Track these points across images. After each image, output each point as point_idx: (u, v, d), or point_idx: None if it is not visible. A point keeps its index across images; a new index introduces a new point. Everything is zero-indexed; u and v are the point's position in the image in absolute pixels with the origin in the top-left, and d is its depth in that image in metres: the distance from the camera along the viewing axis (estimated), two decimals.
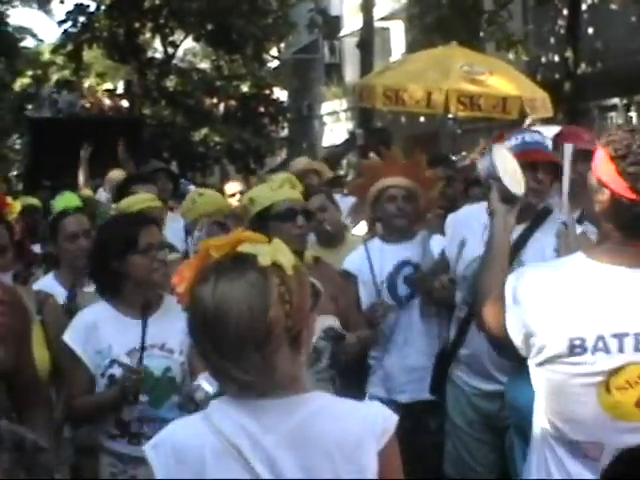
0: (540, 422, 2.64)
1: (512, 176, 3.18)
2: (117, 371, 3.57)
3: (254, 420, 2.02)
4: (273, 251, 2.05)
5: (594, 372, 2.48)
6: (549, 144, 5.40)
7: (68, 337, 3.66)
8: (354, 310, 4.38)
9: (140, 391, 3.49)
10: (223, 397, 2.09)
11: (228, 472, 2.01)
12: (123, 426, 3.60)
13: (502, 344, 2.69)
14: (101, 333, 3.63)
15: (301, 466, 2.02)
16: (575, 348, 2.48)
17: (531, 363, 2.60)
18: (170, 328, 3.56)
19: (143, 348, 3.57)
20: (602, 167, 2.55)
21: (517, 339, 2.59)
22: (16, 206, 5.36)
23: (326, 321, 3.84)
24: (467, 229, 4.09)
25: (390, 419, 2.09)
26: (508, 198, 3.12)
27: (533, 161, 3.82)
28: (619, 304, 2.49)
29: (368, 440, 2.06)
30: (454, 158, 8.33)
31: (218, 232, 4.80)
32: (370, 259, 4.67)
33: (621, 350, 2.47)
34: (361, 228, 6.02)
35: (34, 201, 7.01)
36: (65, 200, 5.61)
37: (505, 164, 3.19)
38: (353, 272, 4.69)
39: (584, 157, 4.93)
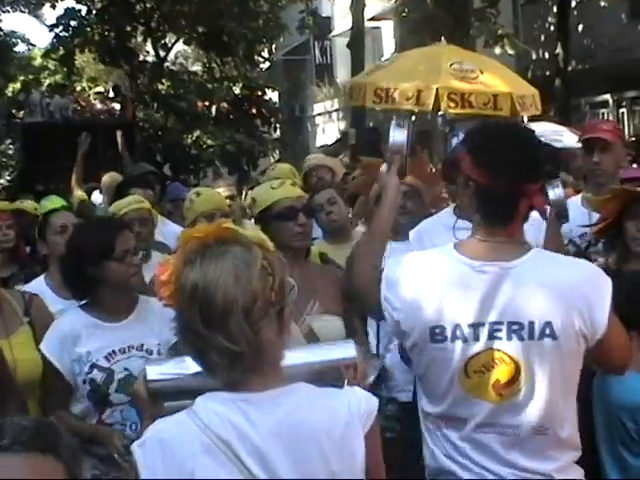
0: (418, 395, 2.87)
1: None
2: (98, 375, 3.56)
3: (241, 415, 2.04)
4: (253, 230, 2.17)
5: (454, 358, 2.68)
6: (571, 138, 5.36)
7: (44, 347, 3.65)
8: None
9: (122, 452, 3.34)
10: (208, 394, 2.10)
11: (218, 467, 2.02)
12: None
13: (369, 305, 2.90)
14: (77, 341, 3.60)
15: (291, 457, 2.03)
16: (436, 336, 2.68)
17: (405, 345, 2.79)
18: (147, 329, 3.62)
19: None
20: (465, 163, 2.74)
21: (390, 323, 2.78)
22: None
23: (332, 321, 3.84)
24: (437, 236, 4.00)
25: (372, 401, 2.14)
26: (402, 174, 3.09)
27: None
28: (475, 296, 2.66)
29: (355, 425, 2.09)
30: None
31: None
32: None
33: (477, 338, 2.66)
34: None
35: (24, 205, 6.98)
36: (52, 202, 5.72)
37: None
38: None
39: (601, 147, 4.95)
